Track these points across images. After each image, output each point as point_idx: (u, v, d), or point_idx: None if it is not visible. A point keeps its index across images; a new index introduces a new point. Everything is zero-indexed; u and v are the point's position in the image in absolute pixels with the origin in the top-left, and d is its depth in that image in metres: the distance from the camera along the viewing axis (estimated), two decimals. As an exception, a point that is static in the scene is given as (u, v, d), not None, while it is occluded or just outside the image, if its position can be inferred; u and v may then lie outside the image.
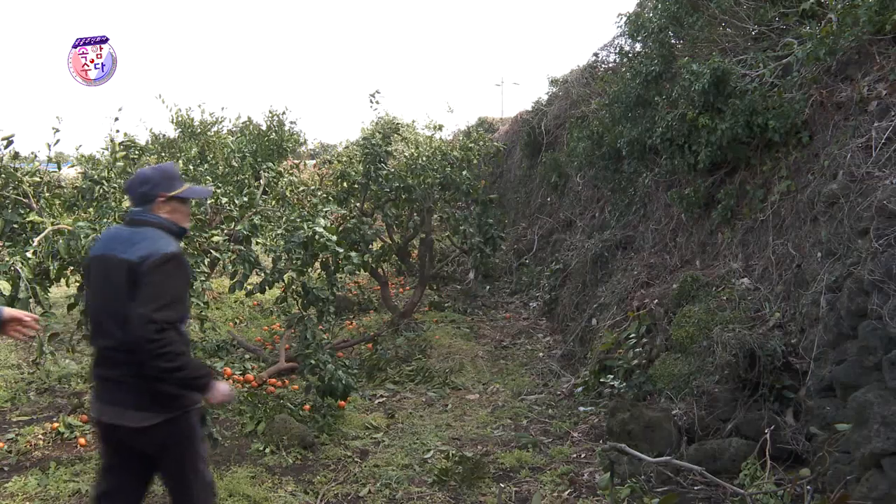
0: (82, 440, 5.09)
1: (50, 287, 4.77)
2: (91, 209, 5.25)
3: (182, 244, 4.07)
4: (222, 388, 2.98)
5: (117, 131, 5.99)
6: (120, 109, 8.45)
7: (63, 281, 5.05)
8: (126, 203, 5.06)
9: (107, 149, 5.95)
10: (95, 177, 5.53)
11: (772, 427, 4.05)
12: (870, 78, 4.99)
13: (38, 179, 5.38)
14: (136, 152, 6.06)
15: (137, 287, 2.74)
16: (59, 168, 5.88)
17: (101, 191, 5.43)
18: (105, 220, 4.90)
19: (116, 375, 2.85)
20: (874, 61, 5.03)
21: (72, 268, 4.87)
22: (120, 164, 5.66)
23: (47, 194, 5.38)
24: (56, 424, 5.26)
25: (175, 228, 3.00)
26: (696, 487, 4.18)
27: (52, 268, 4.62)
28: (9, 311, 2.86)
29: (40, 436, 5.16)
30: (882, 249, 3.80)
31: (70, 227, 4.54)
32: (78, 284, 5.02)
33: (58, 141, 5.29)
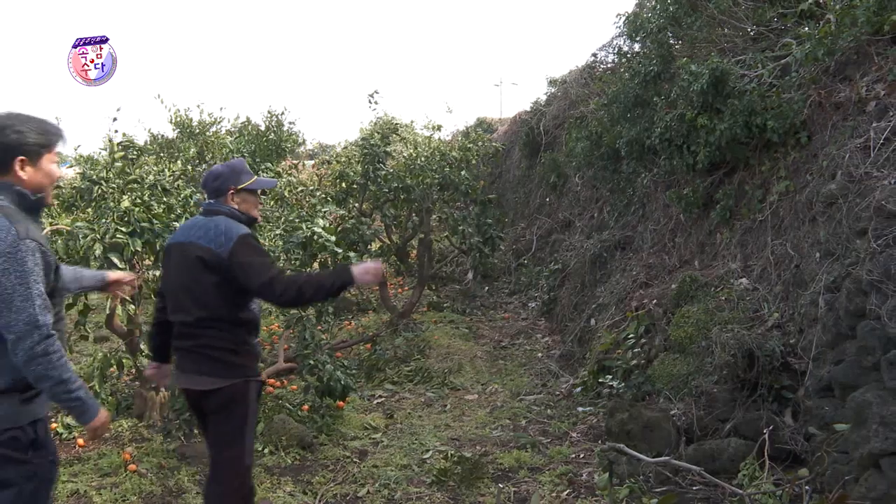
0: (80, 441, 5.08)
1: (48, 287, 4.76)
2: (90, 209, 5.25)
3: None
4: (362, 268, 3.23)
5: (115, 131, 5.97)
6: (118, 110, 8.41)
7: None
8: (125, 203, 5.08)
9: (105, 149, 5.94)
10: (94, 177, 5.52)
11: (770, 427, 4.05)
12: (868, 78, 4.99)
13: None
14: (135, 152, 6.04)
15: (227, 272, 3.13)
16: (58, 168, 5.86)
17: (100, 191, 5.42)
18: (104, 220, 4.90)
19: (189, 346, 3.25)
20: (872, 62, 5.03)
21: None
22: (118, 164, 5.64)
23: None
24: (55, 425, 5.25)
25: (244, 217, 3.34)
26: (694, 487, 4.18)
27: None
28: (112, 274, 3.27)
29: (38, 436, 5.15)
30: (880, 250, 3.80)
31: (68, 228, 4.54)
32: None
33: (56, 141, 5.27)
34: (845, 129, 4.85)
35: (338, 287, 3.24)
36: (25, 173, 2.51)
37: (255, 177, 3.46)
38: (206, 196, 3.44)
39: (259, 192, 3.55)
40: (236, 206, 3.34)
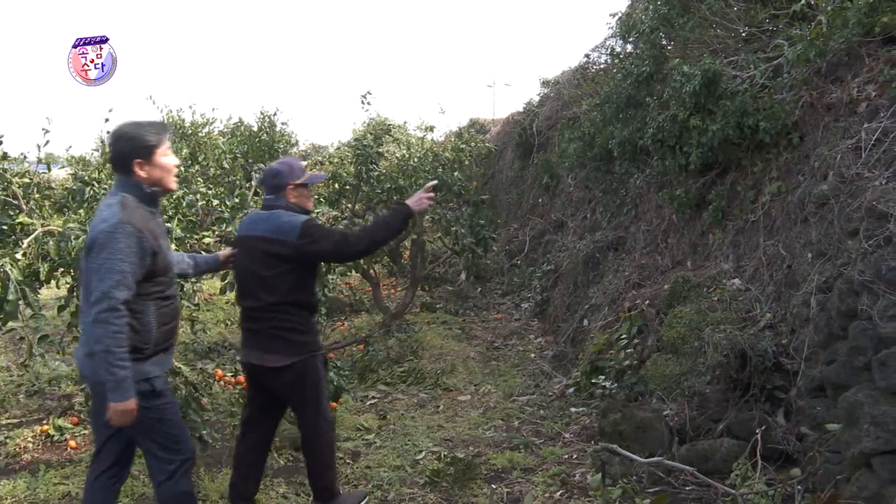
0: (72, 443, 5.06)
1: (40, 289, 4.74)
2: (82, 210, 5.21)
3: (173, 246, 4.52)
4: (415, 199, 3.85)
5: (108, 132, 5.94)
6: (111, 111, 8.37)
7: (53, 283, 5.01)
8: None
9: (97, 150, 5.92)
10: (86, 178, 5.49)
11: (763, 427, 4.06)
12: (859, 79, 5.01)
13: (27, 181, 5.34)
14: (127, 153, 6.01)
15: (299, 256, 3.56)
16: (49, 169, 5.84)
17: (92, 192, 5.39)
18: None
19: (257, 328, 3.67)
20: (864, 63, 5.05)
21: (62, 269, 4.84)
22: (111, 165, 5.61)
23: (37, 195, 5.35)
24: (46, 427, 5.23)
25: (300, 210, 3.72)
26: (687, 488, 4.19)
27: (41, 269, 4.59)
28: (222, 254, 3.85)
29: (30, 439, 5.13)
30: (872, 250, 3.82)
31: (60, 229, 4.50)
32: (67, 287, 4.98)
33: (48, 142, 5.26)
34: (837, 130, 4.87)
35: (401, 221, 3.78)
36: (144, 171, 3.08)
37: (309, 173, 3.86)
38: (265, 192, 3.80)
39: (313, 186, 3.97)
40: (294, 201, 3.71)
